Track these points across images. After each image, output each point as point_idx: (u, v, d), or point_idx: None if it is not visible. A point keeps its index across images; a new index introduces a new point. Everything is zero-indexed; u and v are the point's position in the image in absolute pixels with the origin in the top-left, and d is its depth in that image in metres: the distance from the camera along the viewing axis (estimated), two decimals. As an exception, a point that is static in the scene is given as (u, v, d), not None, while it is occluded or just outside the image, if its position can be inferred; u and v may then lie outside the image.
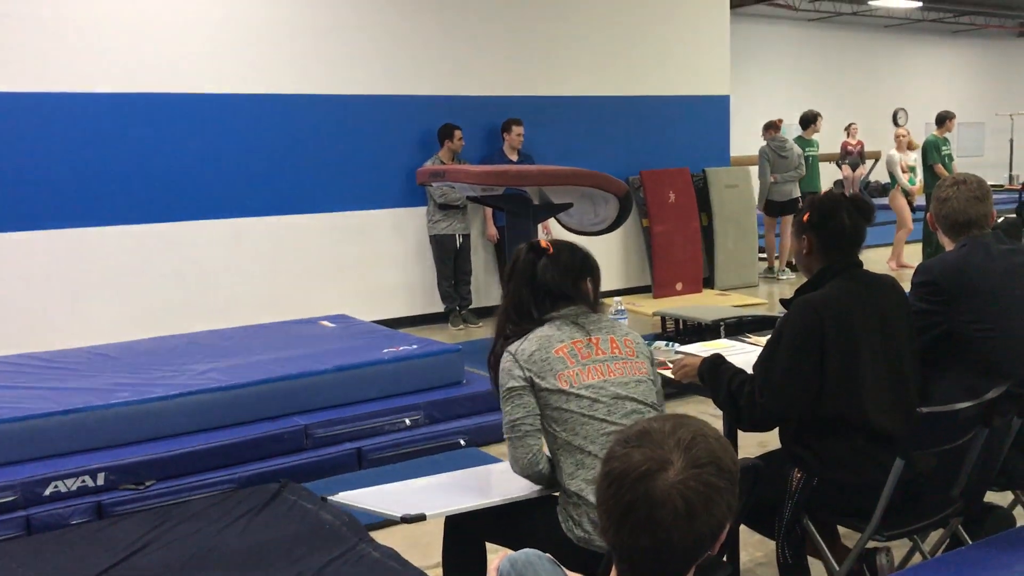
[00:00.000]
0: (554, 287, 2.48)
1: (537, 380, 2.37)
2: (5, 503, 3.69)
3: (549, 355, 2.38)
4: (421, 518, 2.42)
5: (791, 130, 10.21)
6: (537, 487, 2.51)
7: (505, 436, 2.42)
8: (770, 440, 2.84)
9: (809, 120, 10.03)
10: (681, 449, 1.27)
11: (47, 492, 3.78)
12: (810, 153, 9.92)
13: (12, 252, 6.12)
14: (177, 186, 6.66)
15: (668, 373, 2.94)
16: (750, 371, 2.66)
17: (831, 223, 2.66)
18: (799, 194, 9.51)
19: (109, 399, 4.22)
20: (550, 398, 2.37)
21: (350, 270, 7.44)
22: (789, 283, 9.28)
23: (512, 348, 2.44)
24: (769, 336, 2.69)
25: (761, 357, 2.61)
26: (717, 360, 2.75)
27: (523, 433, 2.38)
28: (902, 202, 9.78)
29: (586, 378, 2.37)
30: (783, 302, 2.79)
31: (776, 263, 9.80)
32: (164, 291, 6.63)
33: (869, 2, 15.35)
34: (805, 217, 2.71)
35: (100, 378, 4.65)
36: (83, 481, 3.85)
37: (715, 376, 2.69)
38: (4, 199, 6.07)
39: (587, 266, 2.57)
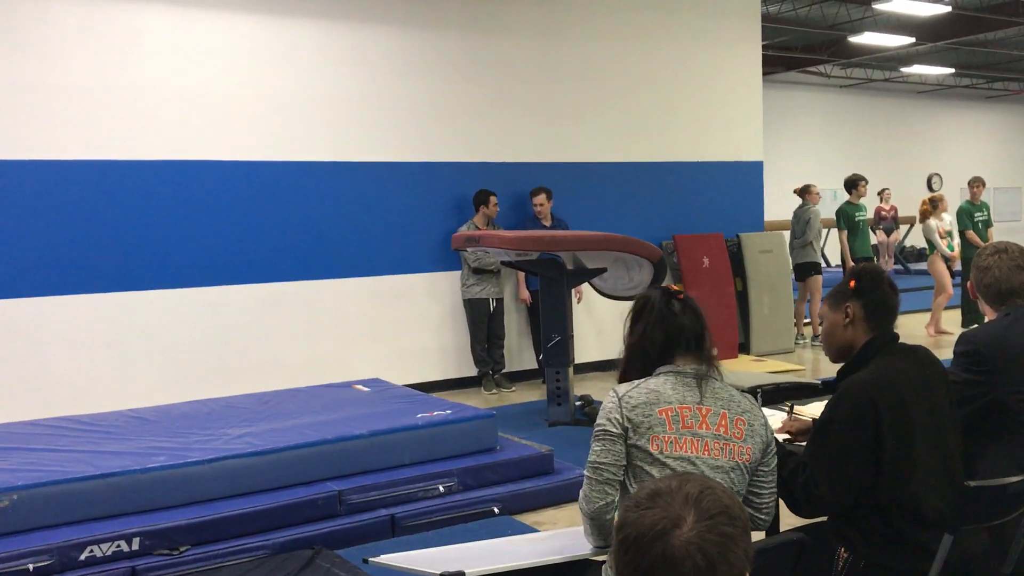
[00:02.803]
0: (689, 329, 2.41)
1: (631, 434, 2.31)
2: (41, 567, 3.70)
3: (652, 412, 2.31)
4: (460, 575, 2.43)
5: (828, 194, 10.16)
6: (577, 552, 2.49)
7: (585, 474, 2.37)
8: (812, 512, 2.78)
9: (850, 185, 10.01)
10: (691, 504, 1.27)
11: (82, 556, 3.78)
12: (860, 218, 9.90)
13: (54, 315, 6.24)
14: (216, 251, 6.79)
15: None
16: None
17: (878, 290, 2.59)
18: (808, 259, 9.50)
19: (146, 463, 4.24)
20: (637, 455, 2.31)
21: (385, 334, 7.48)
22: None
23: (621, 390, 2.37)
24: (818, 419, 2.57)
25: (814, 444, 2.50)
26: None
27: (603, 479, 2.33)
28: (941, 267, 9.69)
29: (678, 449, 2.29)
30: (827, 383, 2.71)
31: (808, 329, 9.70)
32: (203, 354, 6.71)
33: (901, 69, 15.43)
34: (851, 284, 2.62)
35: (137, 442, 4.67)
36: (118, 546, 3.85)
37: (785, 456, 2.57)
38: (48, 263, 6.22)
39: (705, 319, 2.52)
